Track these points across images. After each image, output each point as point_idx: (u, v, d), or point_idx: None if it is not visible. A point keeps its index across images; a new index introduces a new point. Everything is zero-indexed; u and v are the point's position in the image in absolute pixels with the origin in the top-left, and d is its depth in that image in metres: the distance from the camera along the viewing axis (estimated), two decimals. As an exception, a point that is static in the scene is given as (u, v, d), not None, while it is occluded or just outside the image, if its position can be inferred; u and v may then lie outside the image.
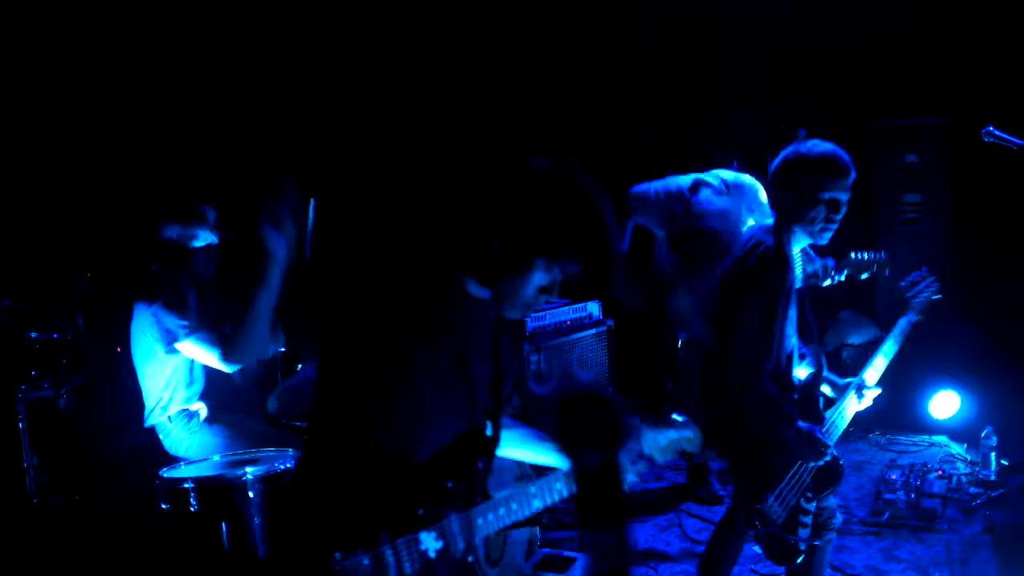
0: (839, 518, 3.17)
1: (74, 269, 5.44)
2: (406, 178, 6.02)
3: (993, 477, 4.70)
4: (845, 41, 5.97)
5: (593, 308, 5.24)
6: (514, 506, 2.11)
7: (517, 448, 2.33)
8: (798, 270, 3.01)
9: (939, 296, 3.38)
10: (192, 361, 3.87)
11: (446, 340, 2.05)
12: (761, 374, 2.90)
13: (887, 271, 4.13)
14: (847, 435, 5.63)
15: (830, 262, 4.01)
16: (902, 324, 3.28)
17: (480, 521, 2.05)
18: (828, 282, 4.03)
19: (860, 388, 3.16)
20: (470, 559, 2.06)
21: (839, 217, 2.93)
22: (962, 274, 5.88)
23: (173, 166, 6.13)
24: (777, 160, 3.00)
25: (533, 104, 6.42)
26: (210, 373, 3.93)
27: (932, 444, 5.49)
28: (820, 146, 2.95)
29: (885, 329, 3.35)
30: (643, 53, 6.34)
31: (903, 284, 3.35)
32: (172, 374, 3.85)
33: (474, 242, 2.00)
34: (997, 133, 3.56)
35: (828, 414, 3.08)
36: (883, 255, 4.13)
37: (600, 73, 6.50)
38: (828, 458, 2.91)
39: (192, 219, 3.91)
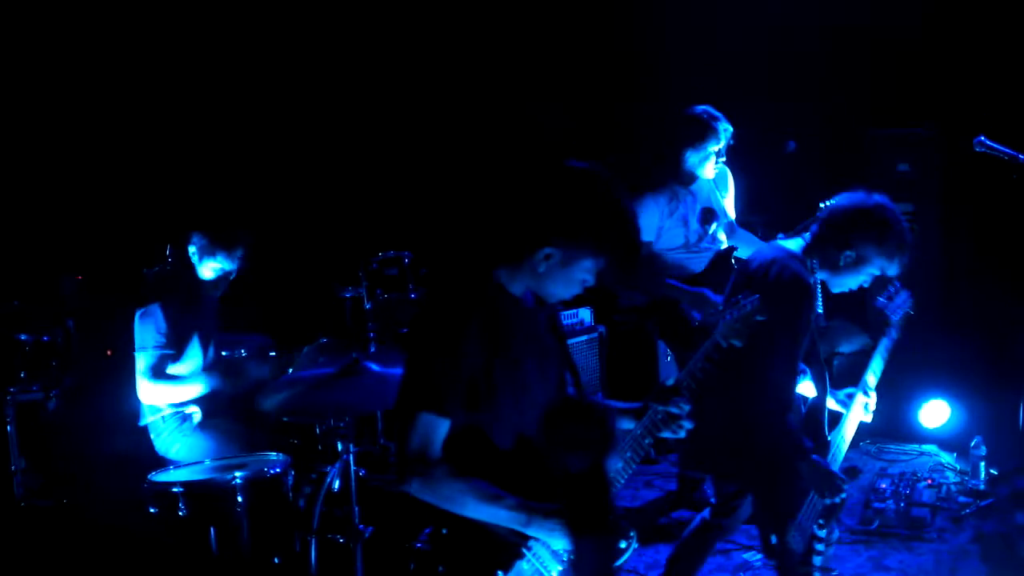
0: (836, 533, 3.18)
1: (65, 271, 5.42)
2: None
3: (982, 486, 4.70)
4: (838, 50, 5.98)
5: (585, 315, 5.24)
6: (620, 465, 2.32)
7: None
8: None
9: (912, 312, 3.29)
10: (189, 363, 3.88)
11: (507, 348, 2.20)
12: (785, 406, 2.90)
13: None
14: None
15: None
16: (883, 345, 3.23)
17: None
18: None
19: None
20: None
21: None
22: (953, 283, 5.90)
23: (167, 170, 6.13)
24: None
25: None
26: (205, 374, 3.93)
27: (922, 453, 5.49)
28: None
29: (876, 338, 3.31)
30: (639, 56, 6.35)
31: (880, 301, 3.27)
32: None
33: (523, 248, 2.18)
34: (988, 143, 3.58)
35: (831, 436, 3.05)
36: None
37: (598, 74, 6.52)
38: (844, 495, 2.88)
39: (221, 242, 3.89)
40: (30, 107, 5.82)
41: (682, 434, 2.40)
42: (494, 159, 6.30)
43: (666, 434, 2.40)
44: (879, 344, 3.23)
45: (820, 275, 3.02)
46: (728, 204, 4.70)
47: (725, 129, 4.40)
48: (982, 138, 3.60)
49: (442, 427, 2.12)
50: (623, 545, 2.32)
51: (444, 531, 2.24)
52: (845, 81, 6.01)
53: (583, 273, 2.20)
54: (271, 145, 6.43)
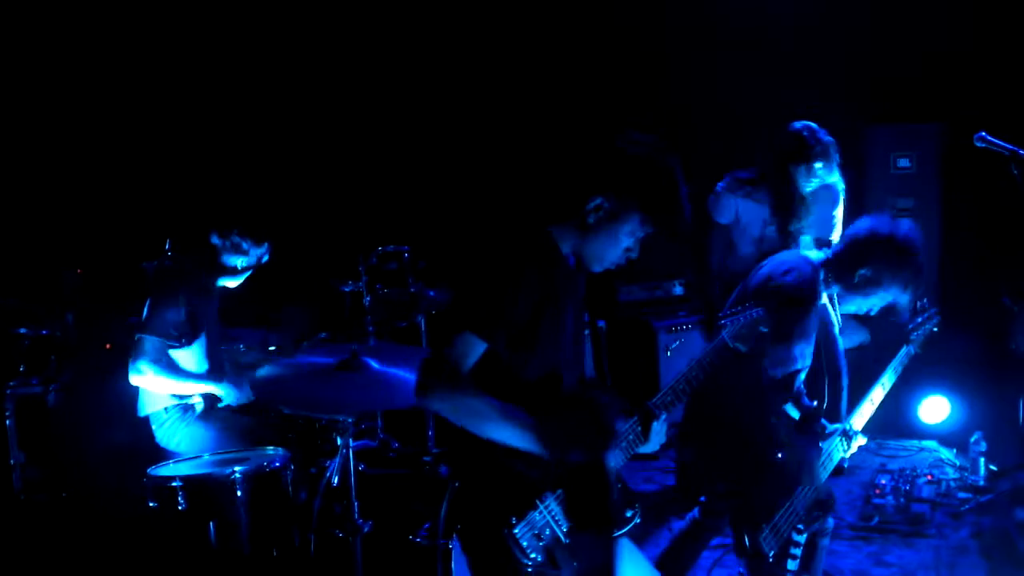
0: (831, 522, 3.15)
1: (64, 265, 5.41)
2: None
3: (982, 482, 4.71)
4: (839, 45, 5.97)
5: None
6: (632, 437, 2.38)
7: None
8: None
9: (937, 329, 3.33)
10: (195, 353, 3.87)
11: (556, 297, 2.28)
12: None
13: None
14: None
15: None
16: (899, 357, 3.22)
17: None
18: None
19: (847, 434, 3.12)
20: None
21: None
22: (953, 279, 5.89)
23: (166, 166, 6.12)
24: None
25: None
26: (208, 368, 3.93)
27: (921, 449, 5.49)
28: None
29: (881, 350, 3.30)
30: (638, 54, 6.34)
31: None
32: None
33: (576, 198, 2.25)
34: (989, 138, 3.58)
35: (823, 444, 3.06)
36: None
37: (598, 74, 6.50)
38: (820, 485, 2.94)
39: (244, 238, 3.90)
40: (30, 104, 5.82)
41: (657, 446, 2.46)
42: (495, 158, 6.29)
43: (646, 448, 2.45)
44: (895, 357, 3.23)
45: (833, 289, 3.10)
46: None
47: (825, 150, 4.43)
48: (983, 133, 3.60)
49: (480, 349, 2.17)
50: (629, 514, 2.37)
51: (457, 484, 2.28)
52: (846, 76, 6.00)
53: (628, 235, 2.26)
54: (269, 140, 6.42)
